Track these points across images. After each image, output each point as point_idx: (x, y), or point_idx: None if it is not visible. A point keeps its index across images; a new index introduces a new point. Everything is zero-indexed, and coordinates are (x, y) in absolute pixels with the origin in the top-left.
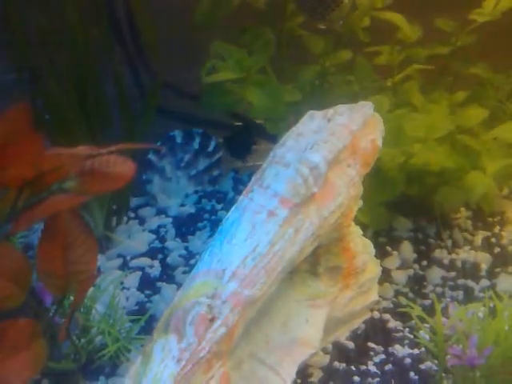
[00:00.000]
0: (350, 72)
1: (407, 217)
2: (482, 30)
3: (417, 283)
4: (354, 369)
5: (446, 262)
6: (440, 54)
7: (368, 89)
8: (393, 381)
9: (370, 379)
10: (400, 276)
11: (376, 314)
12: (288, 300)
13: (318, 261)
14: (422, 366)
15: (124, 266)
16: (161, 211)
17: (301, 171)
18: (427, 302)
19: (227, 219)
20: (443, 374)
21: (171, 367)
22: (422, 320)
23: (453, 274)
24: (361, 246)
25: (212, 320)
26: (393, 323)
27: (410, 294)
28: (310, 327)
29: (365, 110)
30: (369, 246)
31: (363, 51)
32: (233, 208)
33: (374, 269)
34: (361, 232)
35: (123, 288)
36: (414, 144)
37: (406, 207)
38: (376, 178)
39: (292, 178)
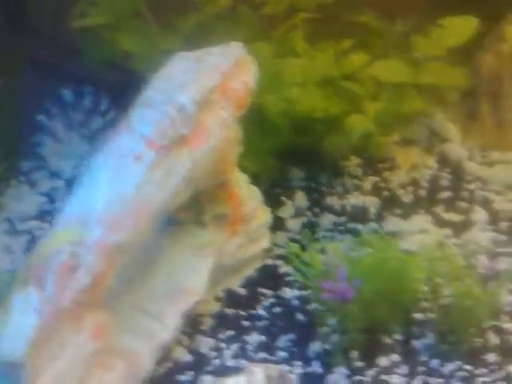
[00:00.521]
0: (232, 20)
1: (300, 167)
2: None
3: (309, 229)
4: (243, 314)
5: (337, 207)
6: (327, 3)
7: (252, 37)
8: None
9: (258, 322)
10: (294, 224)
11: (269, 261)
12: (174, 251)
13: (202, 209)
14: (309, 307)
15: (11, 230)
16: (53, 174)
17: (168, 113)
18: (319, 246)
19: (92, 164)
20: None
21: (32, 319)
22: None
23: (343, 218)
24: (248, 193)
25: (75, 268)
26: (284, 268)
27: (304, 241)
28: (195, 276)
29: (236, 51)
30: (256, 194)
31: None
32: (98, 153)
33: (263, 216)
34: (247, 180)
35: (9, 252)
36: (292, 89)
37: (298, 157)
38: (260, 125)
39: (159, 119)
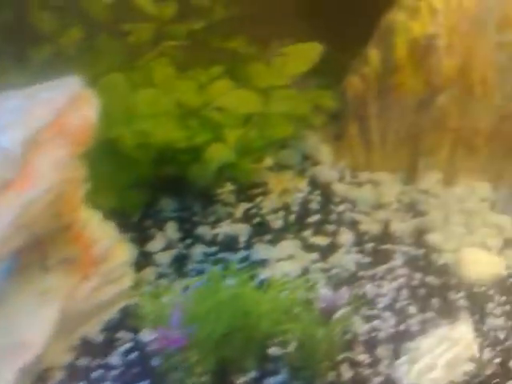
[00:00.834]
0: (94, 50)
1: (172, 196)
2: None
3: (180, 263)
4: (97, 363)
5: (208, 237)
6: (196, 29)
7: (113, 67)
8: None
9: (111, 372)
10: (164, 257)
11: (133, 301)
12: (15, 298)
13: (45, 253)
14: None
15: None
16: None
17: None
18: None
19: None
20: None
21: None
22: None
23: (214, 248)
24: (100, 232)
25: None
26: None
27: (172, 275)
28: (36, 326)
29: (72, 84)
30: (111, 231)
31: (113, 30)
32: None
33: (121, 254)
34: (99, 217)
35: None
36: (145, 121)
37: (170, 186)
38: (116, 159)
39: None
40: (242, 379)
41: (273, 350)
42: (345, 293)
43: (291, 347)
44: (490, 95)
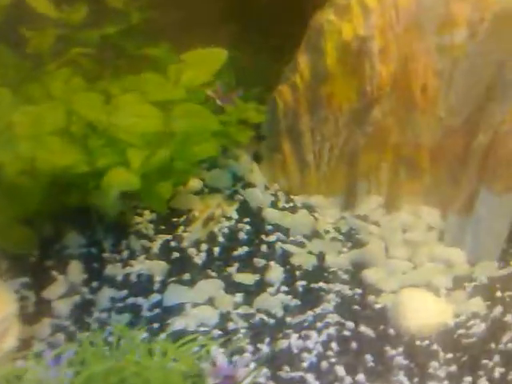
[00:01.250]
0: None
1: (80, 230)
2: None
3: (82, 312)
4: None
5: (118, 278)
6: (110, 35)
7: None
8: None
9: None
10: (63, 306)
11: (21, 363)
12: None
13: None
14: None
15: None
16: None
17: None
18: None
19: None
20: None
21: None
22: None
23: (124, 292)
24: None
25: None
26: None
27: (72, 327)
28: None
29: None
30: None
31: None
32: None
33: (3, 308)
34: None
35: None
36: (25, 143)
37: (77, 218)
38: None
39: None
40: None
41: None
42: (245, 362)
43: None
44: (431, 106)
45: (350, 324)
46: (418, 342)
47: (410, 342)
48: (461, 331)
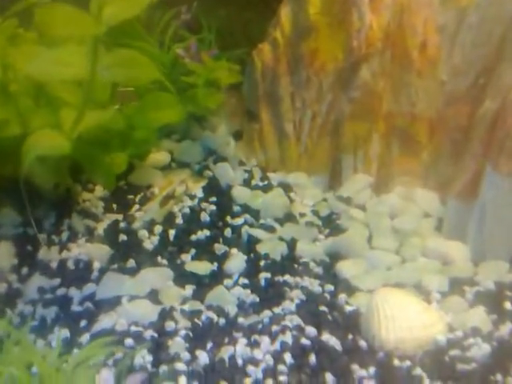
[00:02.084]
0: None
1: (17, 206)
2: None
3: (4, 304)
4: None
5: (53, 265)
6: None
7: None
8: None
9: None
10: None
11: None
12: None
13: None
14: None
15: None
16: None
17: None
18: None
19: None
20: None
21: None
22: None
23: (56, 281)
24: None
25: None
26: None
27: None
28: None
29: None
30: None
31: None
32: None
33: None
34: None
35: None
36: None
37: (17, 193)
38: None
39: None
40: None
41: None
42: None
43: None
44: (431, 68)
45: (312, 330)
46: (395, 362)
47: (385, 361)
48: (455, 352)
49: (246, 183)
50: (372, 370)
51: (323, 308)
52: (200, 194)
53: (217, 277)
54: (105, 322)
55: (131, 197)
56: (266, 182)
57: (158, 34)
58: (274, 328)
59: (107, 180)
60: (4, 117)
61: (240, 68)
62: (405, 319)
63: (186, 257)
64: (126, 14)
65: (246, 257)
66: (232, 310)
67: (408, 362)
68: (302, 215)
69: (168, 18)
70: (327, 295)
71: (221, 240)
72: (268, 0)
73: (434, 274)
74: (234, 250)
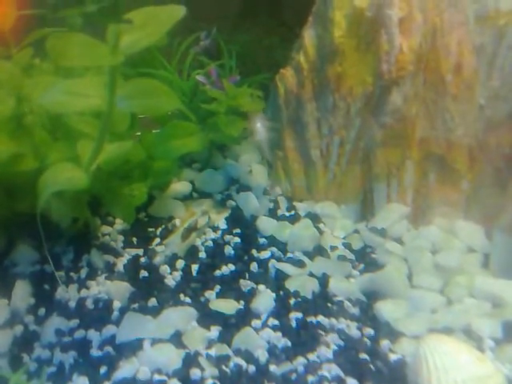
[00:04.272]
0: None
1: (34, 243)
2: None
3: (21, 348)
4: None
5: (71, 304)
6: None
7: None
8: None
9: None
10: (1, 339)
11: None
12: None
13: None
14: None
15: None
16: None
17: None
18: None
19: None
20: None
21: None
22: None
23: (74, 322)
24: None
25: None
26: None
27: (5, 369)
28: None
29: None
30: None
31: None
32: None
33: None
34: None
35: None
36: None
37: (34, 229)
38: None
39: None
40: None
41: None
42: None
43: None
44: (468, 91)
45: (353, 382)
46: None
47: None
48: None
49: (272, 213)
50: None
51: (364, 356)
52: (223, 225)
53: (244, 317)
54: (126, 368)
55: (152, 229)
56: (292, 212)
57: (178, 61)
58: (310, 378)
59: (127, 213)
60: (19, 150)
61: (263, 94)
62: (458, 371)
63: (210, 294)
64: (144, 42)
65: (274, 294)
66: (262, 355)
67: None
68: (333, 248)
69: (187, 44)
70: (367, 340)
71: (247, 275)
72: (290, 23)
73: (484, 318)
74: (262, 287)
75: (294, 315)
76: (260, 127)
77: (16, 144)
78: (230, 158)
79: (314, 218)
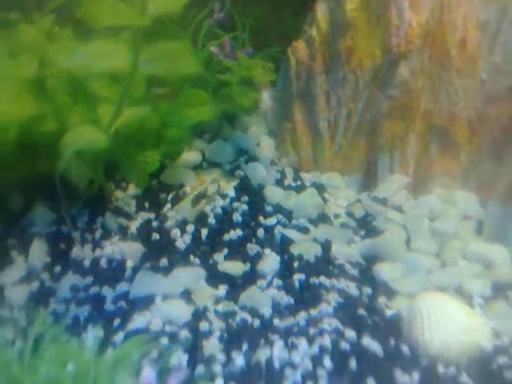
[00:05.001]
0: None
1: (51, 204)
2: None
3: (37, 302)
4: None
5: (86, 263)
6: None
7: None
8: None
9: None
10: (17, 294)
11: None
12: None
13: None
14: None
15: None
16: None
17: None
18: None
19: None
20: None
21: None
22: None
23: (89, 279)
24: None
25: None
26: None
27: (22, 322)
28: None
29: None
30: None
31: None
32: None
33: None
34: None
35: None
36: None
37: (52, 191)
38: None
39: None
40: None
41: None
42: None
43: None
44: (471, 65)
45: (352, 334)
46: (440, 368)
47: (429, 366)
48: (503, 360)
49: (279, 183)
50: (416, 375)
51: (362, 311)
52: (232, 193)
53: (250, 277)
54: (139, 321)
55: (163, 196)
56: (298, 183)
57: (192, 33)
58: (312, 331)
59: (140, 178)
60: (41, 112)
61: (274, 66)
62: (449, 323)
63: (218, 256)
64: (169, 7)
65: (279, 258)
66: (267, 311)
67: (453, 369)
68: (337, 216)
69: (202, 16)
70: (365, 298)
71: (253, 240)
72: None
73: (475, 278)
74: (267, 251)
75: (298, 276)
76: (269, 99)
77: (38, 105)
78: (239, 130)
79: (319, 188)
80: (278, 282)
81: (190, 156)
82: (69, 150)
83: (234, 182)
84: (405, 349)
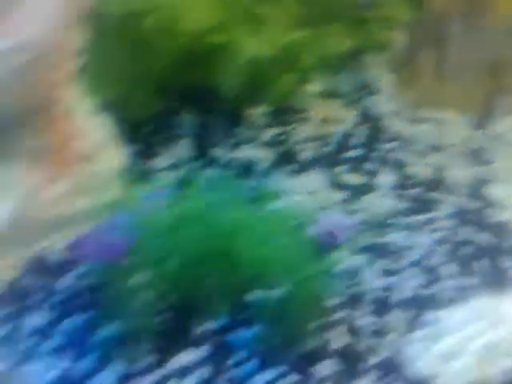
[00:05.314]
0: None
1: (196, 111)
2: None
3: (183, 185)
4: (42, 285)
5: (223, 160)
6: None
7: None
8: None
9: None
10: (166, 177)
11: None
12: None
13: (9, 136)
14: None
15: None
16: None
17: None
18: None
19: None
20: None
21: None
22: None
23: (227, 172)
24: (90, 125)
25: None
26: None
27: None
28: None
29: None
30: (106, 129)
31: None
32: None
33: (110, 158)
34: (94, 107)
35: None
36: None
37: (194, 99)
38: (134, 45)
39: None
40: (205, 326)
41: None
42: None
43: (274, 292)
44: None
45: (465, 230)
46: None
47: None
48: None
49: (398, 115)
50: None
51: (473, 217)
52: (353, 120)
53: (368, 188)
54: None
55: (290, 116)
56: (417, 117)
57: None
58: (428, 227)
59: (274, 98)
60: (216, 23)
61: (411, 6)
62: None
63: (338, 169)
64: None
65: (395, 175)
66: (384, 213)
67: None
68: (452, 146)
69: None
70: (476, 209)
71: (371, 159)
72: None
73: None
74: (384, 169)
75: (412, 190)
76: (398, 37)
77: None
78: (365, 65)
79: (437, 122)
80: (393, 193)
81: (317, 84)
82: (241, 56)
83: (355, 112)
84: (509, 243)
